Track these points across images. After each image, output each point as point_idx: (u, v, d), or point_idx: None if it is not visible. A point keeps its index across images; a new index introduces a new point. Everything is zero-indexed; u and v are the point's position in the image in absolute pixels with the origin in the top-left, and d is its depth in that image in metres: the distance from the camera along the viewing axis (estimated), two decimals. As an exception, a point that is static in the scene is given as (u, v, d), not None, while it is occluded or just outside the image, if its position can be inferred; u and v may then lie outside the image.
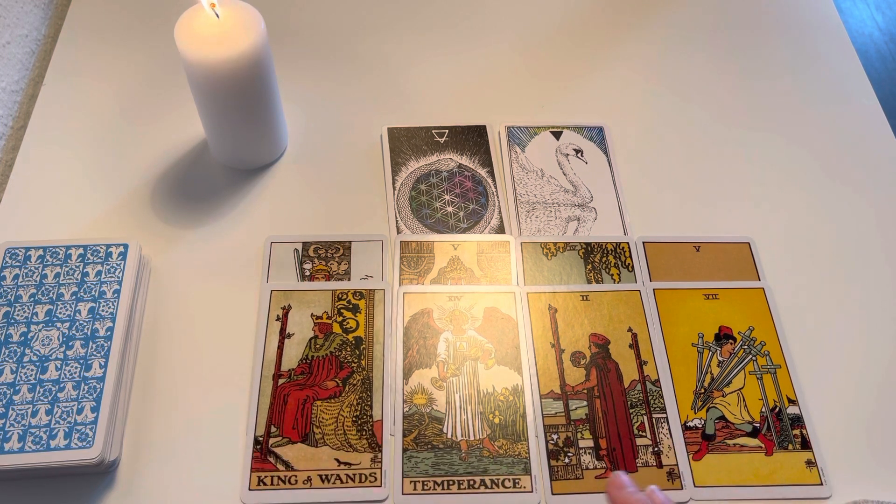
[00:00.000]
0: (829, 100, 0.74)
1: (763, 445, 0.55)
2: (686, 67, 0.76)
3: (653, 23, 0.80)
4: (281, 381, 0.56)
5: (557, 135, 0.70)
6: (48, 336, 0.54)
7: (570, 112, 0.72)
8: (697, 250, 0.64)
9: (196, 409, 0.55)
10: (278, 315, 0.59)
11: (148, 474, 0.52)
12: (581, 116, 0.72)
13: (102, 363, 0.53)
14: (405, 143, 0.69)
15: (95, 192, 0.65)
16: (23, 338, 0.53)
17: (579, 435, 0.55)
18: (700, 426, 0.56)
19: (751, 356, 0.59)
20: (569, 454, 0.54)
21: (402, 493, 0.52)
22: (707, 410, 0.56)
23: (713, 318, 0.60)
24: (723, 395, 0.57)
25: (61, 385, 0.52)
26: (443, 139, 0.70)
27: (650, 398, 0.57)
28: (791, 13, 0.82)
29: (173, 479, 0.52)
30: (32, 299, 0.55)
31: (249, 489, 0.52)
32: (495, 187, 0.67)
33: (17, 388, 0.51)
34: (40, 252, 0.57)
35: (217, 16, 0.57)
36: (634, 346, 0.59)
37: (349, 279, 0.61)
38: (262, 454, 0.53)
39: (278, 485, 0.52)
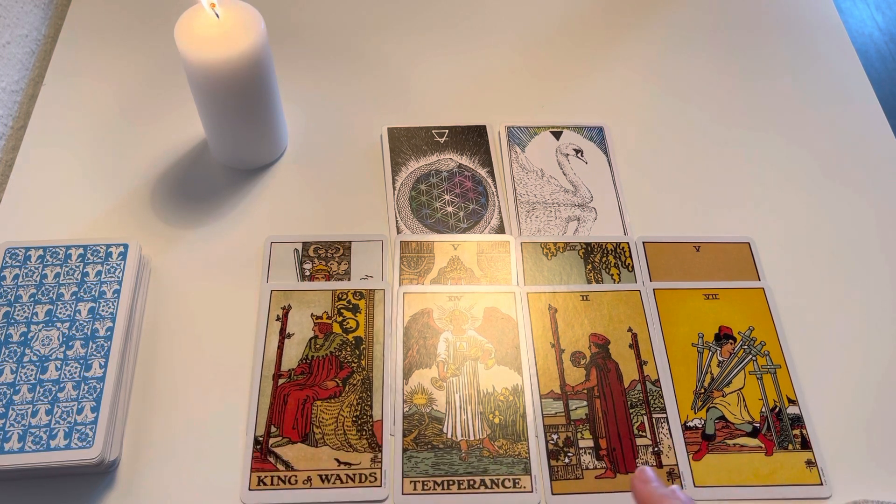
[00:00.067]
0: (829, 100, 0.74)
1: (763, 445, 0.55)
2: (686, 67, 0.76)
3: (653, 23, 0.80)
4: (281, 381, 0.56)
5: (557, 135, 0.70)
6: (48, 336, 0.54)
7: (570, 112, 0.72)
8: (697, 250, 0.64)
9: (196, 409, 0.55)
10: (278, 315, 0.59)
11: (148, 474, 0.52)
12: (581, 116, 0.72)
13: (102, 363, 0.53)
14: (405, 143, 0.69)
15: (95, 192, 0.65)
16: (23, 338, 0.53)
17: (579, 435, 0.55)
18: (700, 426, 0.56)
19: (751, 356, 0.59)
20: (569, 454, 0.54)
21: (402, 493, 0.52)
22: (707, 410, 0.56)
23: (713, 318, 0.60)
24: (723, 395, 0.57)
25: (61, 385, 0.52)
26: (443, 139, 0.70)
27: (650, 398, 0.57)
28: (791, 13, 0.82)
29: (173, 479, 0.52)
30: (32, 299, 0.55)
31: (249, 489, 0.52)
32: (495, 187, 0.67)
33: (17, 388, 0.51)
34: (40, 252, 0.57)
35: (217, 16, 0.57)
36: (634, 346, 0.59)
37: (349, 279, 0.61)
38: (262, 454, 0.53)
39: (278, 485, 0.52)
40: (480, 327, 0.59)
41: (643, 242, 0.64)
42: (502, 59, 0.76)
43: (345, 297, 0.60)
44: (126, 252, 0.58)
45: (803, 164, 0.70)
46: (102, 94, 0.71)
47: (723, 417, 0.56)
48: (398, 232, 0.64)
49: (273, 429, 0.54)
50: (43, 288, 0.56)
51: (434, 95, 0.73)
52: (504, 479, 0.53)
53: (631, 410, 0.56)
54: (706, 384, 0.57)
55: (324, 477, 0.52)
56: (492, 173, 0.68)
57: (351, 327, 0.59)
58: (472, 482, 0.53)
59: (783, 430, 0.56)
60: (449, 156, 0.69)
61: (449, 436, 0.55)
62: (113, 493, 0.52)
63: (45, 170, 0.66)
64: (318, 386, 0.56)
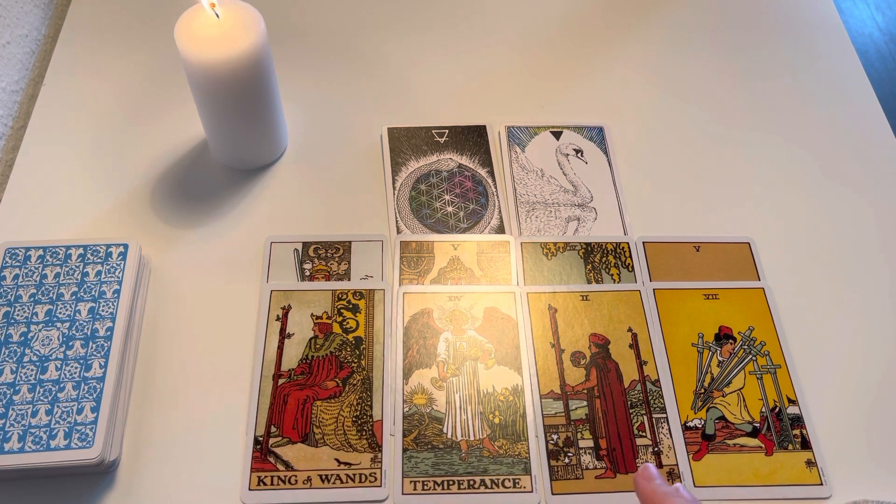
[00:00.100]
0: (829, 100, 0.74)
1: (763, 445, 0.55)
2: (686, 67, 0.76)
3: (653, 23, 0.80)
4: (281, 381, 0.56)
5: (557, 135, 0.70)
6: (48, 336, 0.54)
7: (570, 112, 0.72)
8: (697, 250, 0.64)
9: (196, 409, 0.55)
10: (278, 315, 0.59)
11: (148, 474, 0.52)
12: (581, 116, 0.72)
13: (102, 363, 0.53)
14: (405, 143, 0.69)
15: (95, 192, 0.65)
16: (23, 338, 0.53)
17: (579, 435, 0.55)
18: (700, 426, 0.56)
19: (751, 356, 0.59)
20: (569, 454, 0.54)
21: (402, 493, 0.52)
22: (707, 410, 0.56)
23: (713, 318, 0.60)
24: (723, 395, 0.57)
25: (61, 385, 0.52)
26: (443, 139, 0.70)
27: (650, 398, 0.57)
28: (791, 13, 0.82)
29: (173, 479, 0.52)
30: (32, 299, 0.55)
31: (249, 489, 0.52)
32: (495, 187, 0.67)
33: (17, 388, 0.51)
34: (40, 252, 0.57)
35: (217, 16, 0.57)
36: (634, 346, 0.59)
37: (349, 279, 0.61)
38: (262, 454, 0.53)
39: (278, 485, 0.52)
40: (480, 327, 0.59)
41: (643, 242, 0.64)
42: (502, 59, 0.76)
43: (345, 297, 0.60)
44: (126, 252, 0.58)
45: (803, 164, 0.70)
46: (102, 93, 0.71)
47: (723, 417, 0.56)
48: (398, 232, 0.64)
49: (273, 429, 0.54)
50: (43, 288, 0.56)
51: (434, 95, 0.73)
52: (504, 479, 0.53)
53: (631, 410, 0.56)
54: (706, 384, 0.57)
55: (324, 477, 0.52)
56: (492, 173, 0.68)
57: (351, 327, 0.59)
58: (472, 482, 0.53)
59: (783, 430, 0.56)
60: (449, 156, 0.69)
61: (449, 436, 0.55)
62: (113, 493, 0.52)
63: (45, 170, 0.66)
64: (318, 386, 0.56)
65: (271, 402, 0.55)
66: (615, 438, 0.55)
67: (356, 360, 0.57)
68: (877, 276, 0.63)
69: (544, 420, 0.55)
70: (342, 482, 0.52)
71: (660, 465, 0.54)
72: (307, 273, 0.61)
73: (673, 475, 0.54)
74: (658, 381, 0.57)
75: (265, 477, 0.52)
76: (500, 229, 0.64)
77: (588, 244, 0.64)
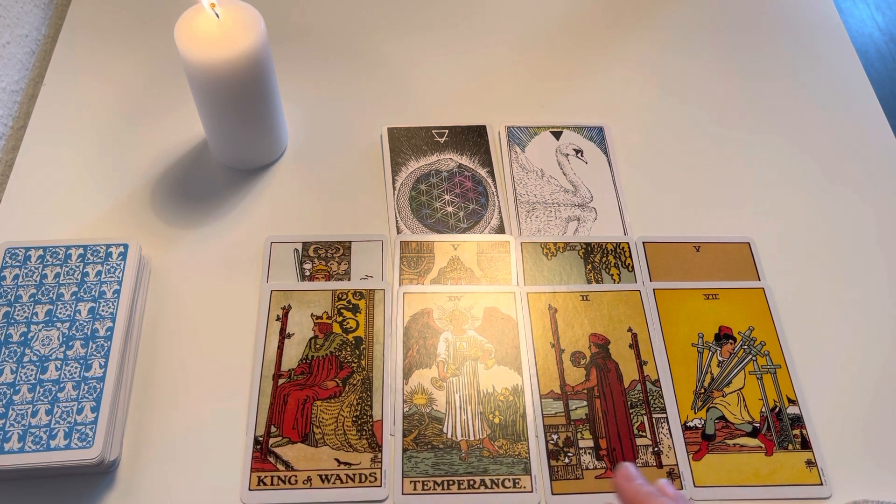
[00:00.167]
0: (829, 100, 0.74)
1: (763, 445, 0.55)
2: (686, 67, 0.76)
3: (653, 23, 0.80)
4: (281, 381, 0.56)
5: (557, 135, 0.70)
6: (48, 336, 0.54)
7: (570, 112, 0.72)
8: (697, 250, 0.64)
9: (196, 408, 0.55)
10: (278, 315, 0.59)
11: (148, 474, 0.52)
12: (581, 116, 0.72)
13: (102, 363, 0.53)
14: (405, 143, 0.69)
15: (95, 192, 0.65)
16: (23, 338, 0.53)
17: (579, 435, 0.55)
18: (700, 426, 0.56)
19: (751, 356, 0.59)
20: (569, 454, 0.54)
21: (402, 493, 0.52)
22: (707, 410, 0.56)
23: (713, 318, 0.60)
24: (723, 395, 0.57)
25: (61, 385, 0.52)
26: (443, 139, 0.70)
27: (650, 398, 0.57)
28: (791, 14, 0.82)
29: (173, 479, 0.52)
30: (32, 299, 0.55)
31: (249, 489, 0.52)
32: (495, 187, 0.67)
33: (17, 388, 0.51)
34: (40, 252, 0.57)
35: (217, 16, 0.57)
36: (634, 346, 0.59)
37: (349, 279, 0.61)
38: (262, 454, 0.53)
39: (278, 485, 0.52)
40: (480, 327, 0.59)
41: (643, 242, 0.64)
42: (502, 59, 0.76)
43: (345, 297, 0.60)
44: (126, 252, 0.58)
45: (803, 164, 0.70)
46: (102, 93, 0.71)
47: (723, 417, 0.56)
48: (398, 232, 0.64)
49: (273, 429, 0.54)
50: (43, 288, 0.56)
51: (434, 95, 0.73)
52: (504, 479, 0.53)
53: (631, 410, 0.56)
54: (706, 384, 0.57)
55: (324, 477, 0.52)
56: (492, 173, 0.68)
57: (351, 327, 0.59)
58: (472, 482, 0.53)
59: (783, 430, 0.56)
60: (449, 156, 0.69)
61: (449, 436, 0.55)
62: (113, 493, 0.52)
63: (44, 170, 0.66)
64: (318, 386, 0.56)
65: (271, 402, 0.55)
66: (615, 438, 0.55)
67: (356, 360, 0.57)
68: (877, 276, 0.63)
69: (544, 420, 0.55)
70: (342, 482, 0.52)
71: (660, 466, 0.54)
72: (307, 273, 0.61)
73: (673, 475, 0.54)
74: (658, 381, 0.57)
75: (265, 477, 0.52)
76: (500, 229, 0.64)
77: (588, 244, 0.64)
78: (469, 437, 0.55)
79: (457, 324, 0.59)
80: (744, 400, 0.57)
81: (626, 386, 0.57)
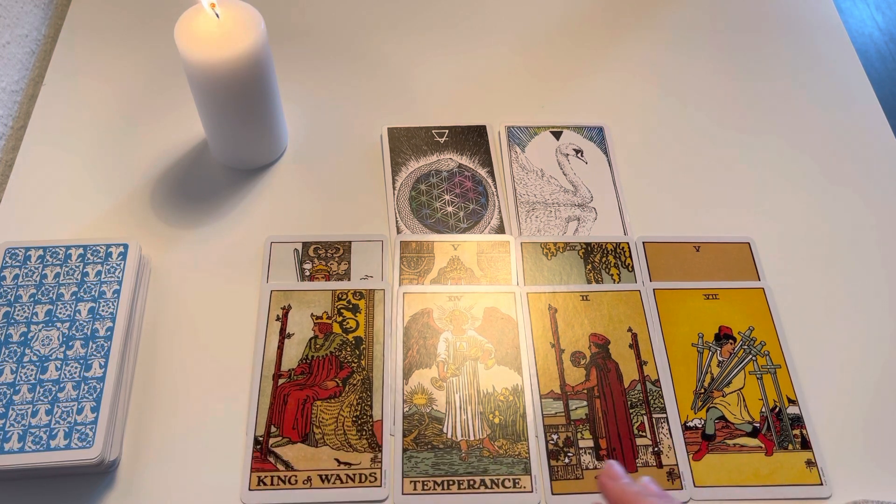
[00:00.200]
0: (830, 100, 0.74)
1: (763, 445, 0.55)
2: (686, 68, 0.76)
3: (653, 23, 0.80)
4: (281, 381, 0.56)
5: (557, 135, 0.70)
6: (48, 336, 0.54)
7: (570, 112, 0.72)
8: (697, 250, 0.64)
9: (196, 408, 0.55)
10: (278, 315, 0.59)
11: (148, 474, 0.52)
12: (581, 116, 0.72)
13: (102, 363, 0.53)
14: (405, 143, 0.69)
15: (95, 192, 0.65)
16: (23, 338, 0.53)
17: (579, 435, 0.55)
18: (700, 426, 0.56)
19: (751, 356, 0.59)
20: (569, 454, 0.54)
21: (402, 493, 0.52)
22: (707, 410, 0.56)
23: (713, 318, 0.60)
24: (723, 395, 0.57)
25: (61, 385, 0.52)
26: (443, 139, 0.70)
27: (650, 398, 0.57)
28: (791, 14, 0.82)
29: (173, 479, 0.52)
30: (32, 299, 0.55)
31: (249, 489, 0.52)
32: (495, 187, 0.67)
33: (17, 388, 0.51)
34: (40, 252, 0.57)
35: (217, 16, 0.57)
36: (634, 346, 0.59)
37: (349, 279, 0.61)
38: (262, 454, 0.53)
39: (278, 485, 0.52)
40: (480, 327, 0.59)
41: (643, 242, 0.64)
42: (502, 59, 0.76)
43: (345, 297, 0.60)
44: (126, 252, 0.58)
45: (803, 164, 0.70)
46: (102, 94, 0.71)
47: (723, 417, 0.56)
48: (398, 232, 0.64)
49: (273, 429, 0.54)
50: (43, 288, 0.56)
51: (434, 95, 0.73)
52: (504, 479, 0.53)
53: (631, 410, 0.56)
54: (706, 384, 0.57)
55: (324, 477, 0.52)
56: (492, 173, 0.68)
57: (351, 327, 0.59)
58: (472, 482, 0.53)
59: (783, 430, 0.56)
60: (449, 156, 0.69)
61: (449, 436, 0.55)
62: (113, 493, 0.52)
63: (44, 170, 0.66)
64: (318, 386, 0.56)
65: (271, 402, 0.55)
66: (615, 438, 0.55)
67: (356, 360, 0.57)
68: (876, 276, 0.63)
69: (544, 420, 0.55)
70: (342, 482, 0.52)
71: (660, 466, 0.54)
72: (307, 273, 0.61)
73: (673, 475, 0.54)
74: (658, 381, 0.57)
75: (265, 477, 0.52)
76: (500, 229, 0.64)
77: (588, 244, 0.64)
78: (469, 437, 0.55)
79: (457, 324, 0.59)
80: (744, 400, 0.57)
81: (626, 386, 0.57)
